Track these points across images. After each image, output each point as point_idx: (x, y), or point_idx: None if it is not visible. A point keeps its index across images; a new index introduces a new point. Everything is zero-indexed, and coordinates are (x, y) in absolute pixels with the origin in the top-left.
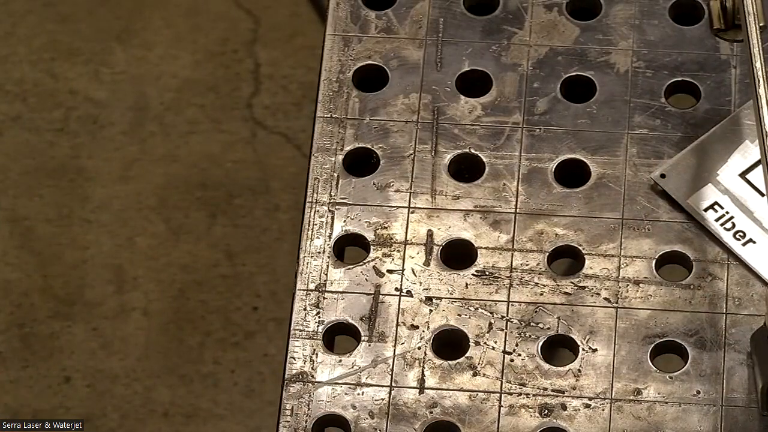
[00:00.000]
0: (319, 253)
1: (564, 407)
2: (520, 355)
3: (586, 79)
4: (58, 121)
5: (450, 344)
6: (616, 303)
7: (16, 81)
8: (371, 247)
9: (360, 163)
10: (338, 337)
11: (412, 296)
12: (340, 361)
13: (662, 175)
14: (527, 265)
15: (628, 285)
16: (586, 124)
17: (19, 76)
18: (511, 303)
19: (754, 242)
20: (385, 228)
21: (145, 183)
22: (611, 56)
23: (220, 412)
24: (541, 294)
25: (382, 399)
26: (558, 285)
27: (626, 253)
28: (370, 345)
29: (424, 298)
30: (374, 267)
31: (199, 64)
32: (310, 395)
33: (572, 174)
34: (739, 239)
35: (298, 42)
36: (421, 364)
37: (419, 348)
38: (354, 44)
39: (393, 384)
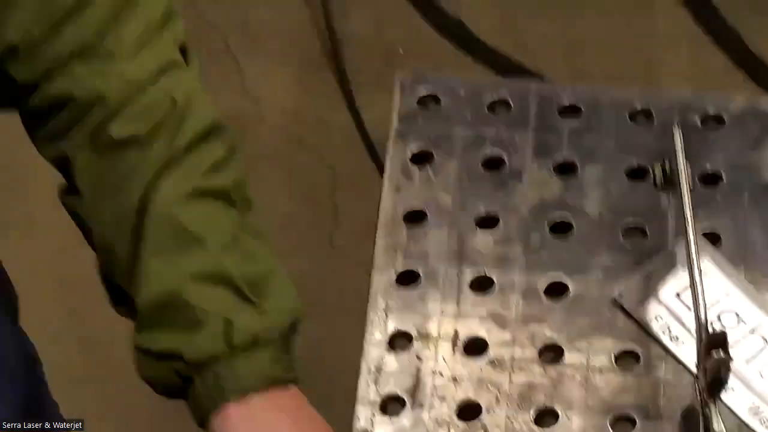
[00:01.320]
0: (378, 343)
1: None
2: (517, 420)
3: (567, 223)
4: None
5: (468, 411)
6: (587, 385)
7: None
8: (414, 340)
9: (407, 280)
10: (390, 404)
11: (442, 376)
12: (391, 420)
13: (620, 294)
14: (524, 356)
15: (595, 372)
16: (566, 254)
17: None
18: (512, 383)
19: (684, 344)
20: (424, 327)
21: None
22: (585, 203)
23: None
24: (534, 377)
25: None
26: (545, 371)
27: (594, 348)
28: (412, 410)
29: (451, 378)
30: (416, 355)
31: (294, 203)
32: None
33: (556, 290)
34: (673, 341)
35: (364, 187)
36: (448, 425)
37: (447, 413)
38: (403, 190)
39: None
